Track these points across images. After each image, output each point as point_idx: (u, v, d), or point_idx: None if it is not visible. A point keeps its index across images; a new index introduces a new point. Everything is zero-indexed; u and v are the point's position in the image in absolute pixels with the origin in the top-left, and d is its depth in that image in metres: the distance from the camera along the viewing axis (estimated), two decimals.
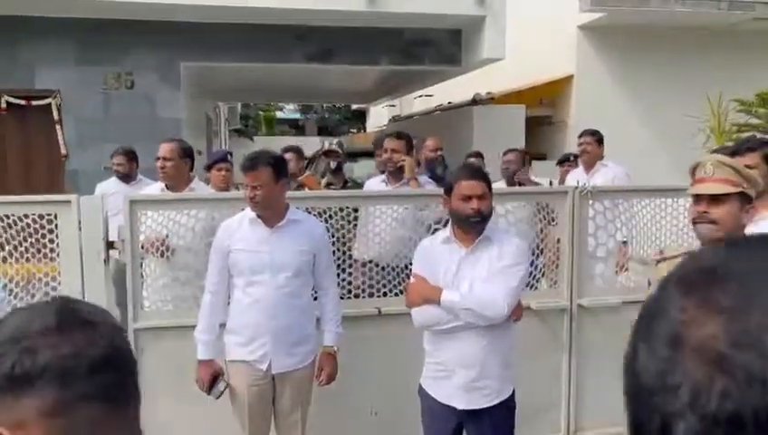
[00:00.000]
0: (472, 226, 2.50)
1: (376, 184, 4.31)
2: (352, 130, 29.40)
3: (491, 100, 10.61)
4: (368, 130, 24.83)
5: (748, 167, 2.41)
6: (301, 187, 4.55)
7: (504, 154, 5.29)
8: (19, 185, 6.76)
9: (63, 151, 7.33)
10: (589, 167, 5.20)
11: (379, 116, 22.03)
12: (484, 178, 2.55)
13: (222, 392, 2.87)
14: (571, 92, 9.61)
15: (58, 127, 7.31)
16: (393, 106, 19.12)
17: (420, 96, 14.62)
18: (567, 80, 9.63)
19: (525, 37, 10.37)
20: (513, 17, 10.08)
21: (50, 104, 7.25)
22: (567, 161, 6.29)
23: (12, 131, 7.34)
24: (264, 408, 2.88)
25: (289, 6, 6.76)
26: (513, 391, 2.64)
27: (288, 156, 4.75)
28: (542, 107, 10.33)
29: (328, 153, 4.77)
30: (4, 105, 7.12)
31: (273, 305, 2.77)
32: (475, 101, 10.01)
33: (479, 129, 9.50)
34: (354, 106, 25.71)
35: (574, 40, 9.44)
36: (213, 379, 2.86)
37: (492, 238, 2.55)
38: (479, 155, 6.31)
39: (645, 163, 6.73)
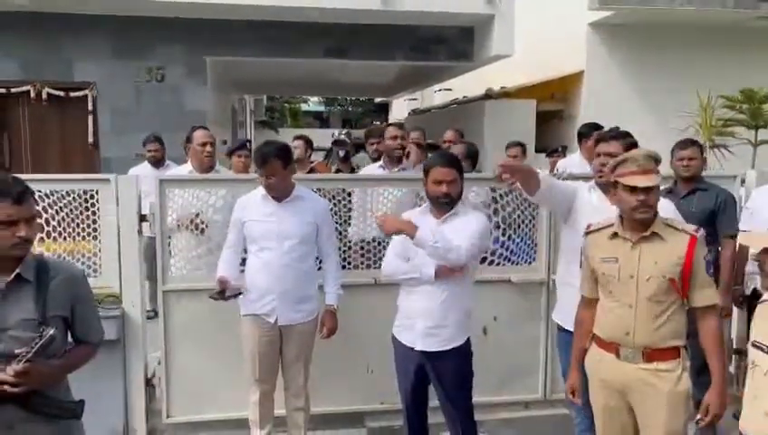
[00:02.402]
0: (441, 205, 2.95)
1: (374, 170, 4.78)
2: (375, 123, 29.83)
3: (504, 94, 10.96)
4: (390, 122, 25.26)
5: (609, 154, 2.85)
6: (312, 171, 5.05)
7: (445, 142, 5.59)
8: (57, 171, 7.32)
9: (91, 140, 7.89)
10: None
11: (401, 109, 22.41)
12: (455, 165, 2.98)
13: (234, 295, 3.23)
14: (581, 88, 9.92)
15: (90, 117, 7.88)
16: (414, 99, 19.50)
17: (440, 90, 15.00)
18: (577, 75, 9.94)
19: (539, 34, 10.70)
20: (527, 15, 10.43)
21: (86, 95, 7.83)
22: (555, 152, 6.75)
23: (51, 121, 7.93)
24: (272, 356, 3.36)
25: (307, 5, 7.22)
26: (468, 339, 3.07)
27: (297, 143, 5.34)
28: (553, 102, 10.65)
29: (336, 142, 5.23)
30: (44, 96, 7.71)
31: (279, 268, 3.24)
32: (488, 96, 10.36)
33: (490, 122, 9.86)
34: (377, 99, 26.11)
35: (584, 37, 9.74)
36: (224, 289, 3.21)
37: (459, 213, 3.00)
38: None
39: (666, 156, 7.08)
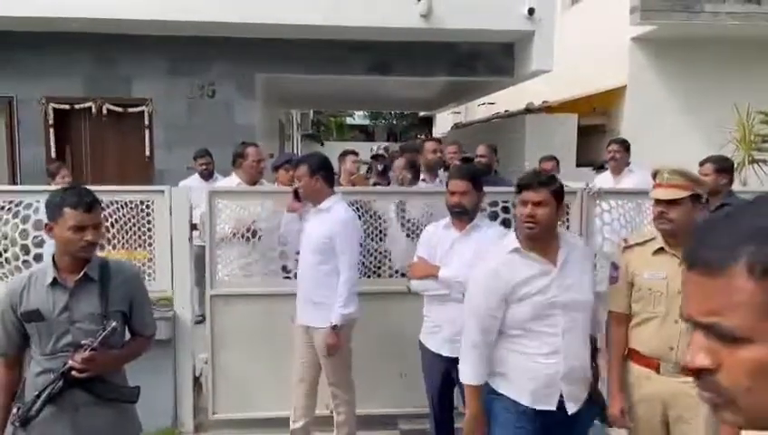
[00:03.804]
0: (455, 215, 3.13)
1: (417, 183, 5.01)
2: (420, 136, 30.11)
3: (547, 108, 11.03)
4: (434, 135, 25.46)
5: (538, 204, 2.45)
6: (353, 184, 5.33)
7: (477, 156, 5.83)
8: (115, 182, 7.72)
9: (147, 153, 8.32)
10: (617, 172, 5.67)
11: (445, 122, 22.59)
12: (468, 178, 3.13)
13: None
14: (624, 102, 9.92)
15: (147, 131, 8.31)
16: (458, 113, 19.65)
17: (483, 104, 15.12)
18: (620, 90, 9.95)
19: (582, 49, 10.75)
20: (570, 29, 10.50)
21: (143, 111, 8.27)
22: (602, 168, 6.81)
23: (110, 135, 8.38)
24: (305, 352, 3.64)
25: (350, 24, 7.48)
26: None
27: (354, 157, 5.67)
28: (595, 116, 10.66)
29: (375, 157, 5.48)
30: (104, 112, 8.18)
31: (302, 273, 3.58)
32: (528, 110, 10.44)
33: (531, 136, 9.95)
34: (421, 113, 26.37)
35: (627, 51, 9.76)
36: None
37: (480, 226, 3.16)
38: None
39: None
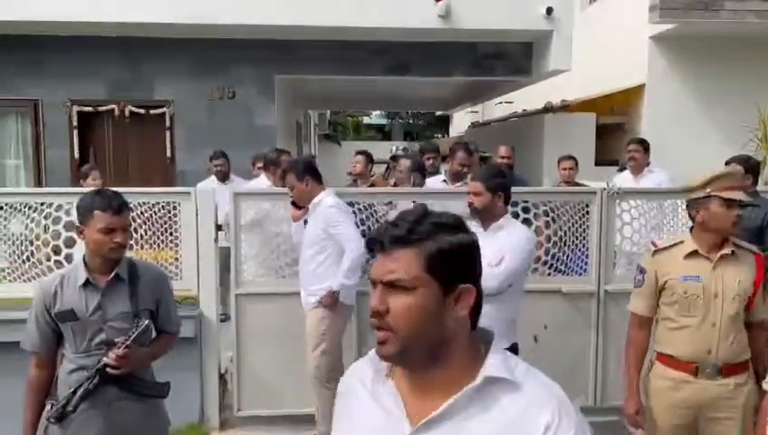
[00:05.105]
0: (471, 215, 3.15)
1: (437, 182, 5.03)
2: (437, 136, 30.12)
3: (565, 108, 11.00)
4: (451, 134, 25.46)
5: (390, 285, 1.23)
6: (372, 185, 5.38)
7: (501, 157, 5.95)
8: (137, 182, 7.84)
9: (168, 154, 8.44)
10: (636, 172, 5.65)
11: (461, 121, 22.56)
12: (482, 180, 3.14)
13: None
14: (643, 101, 9.87)
15: (168, 133, 8.43)
16: (475, 112, 19.63)
17: (500, 103, 15.09)
18: (639, 89, 9.89)
19: (600, 47, 10.72)
20: (589, 28, 10.47)
21: (164, 113, 8.38)
22: (625, 168, 6.79)
23: (132, 136, 8.51)
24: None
25: (369, 25, 7.53)
26: (513, 345, 3.12)
27: (358, 158, 5.67)
28: (614, 115, 10.61)
29: (394, 157, 5.54)
30: (127, 114, 8.31)
31: (301, 264, 3.80)
32: (547, 109, 10.43)
33: (550, 135, 9.93)
34: (438, 112, 26.37)
35: (646, 50, 9.70)
36: None
37: (504, 226, 3.17)
38: None
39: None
